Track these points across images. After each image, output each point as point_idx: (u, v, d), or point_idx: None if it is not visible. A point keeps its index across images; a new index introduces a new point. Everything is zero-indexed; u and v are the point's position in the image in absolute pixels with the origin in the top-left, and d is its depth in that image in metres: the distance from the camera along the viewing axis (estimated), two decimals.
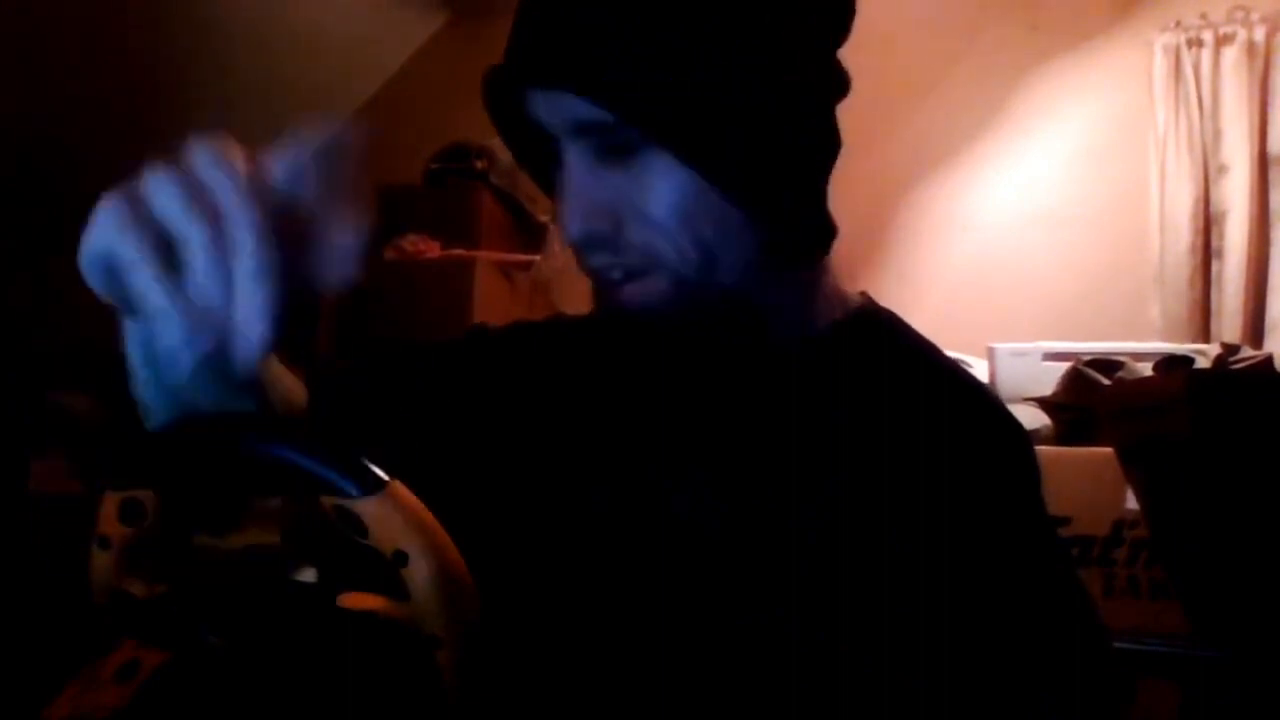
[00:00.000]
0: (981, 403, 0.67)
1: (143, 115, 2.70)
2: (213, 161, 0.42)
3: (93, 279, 0.42)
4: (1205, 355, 1.83)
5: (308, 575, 0.42)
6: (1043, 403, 1.85)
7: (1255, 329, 2.38)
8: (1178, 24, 2.48)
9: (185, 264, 0.41)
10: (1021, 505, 0.64)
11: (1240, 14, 2.44)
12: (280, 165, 0.44)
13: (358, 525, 0.39)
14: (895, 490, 0.59)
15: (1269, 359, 1.67)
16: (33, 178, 2.52)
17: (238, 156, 0.43)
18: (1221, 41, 2.45)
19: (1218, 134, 2.44)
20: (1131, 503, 1.56)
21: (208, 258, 0.40)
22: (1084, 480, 1.58)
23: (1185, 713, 1.40)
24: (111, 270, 0.42)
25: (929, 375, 0.67)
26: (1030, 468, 0.65)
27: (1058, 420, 1.82)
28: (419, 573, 0.39)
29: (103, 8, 2.40)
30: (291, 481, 0.40)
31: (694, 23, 0.54)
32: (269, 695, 0.38)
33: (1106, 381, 1.75)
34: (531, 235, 2.75)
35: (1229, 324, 2.37)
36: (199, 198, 0.41)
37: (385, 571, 0.39)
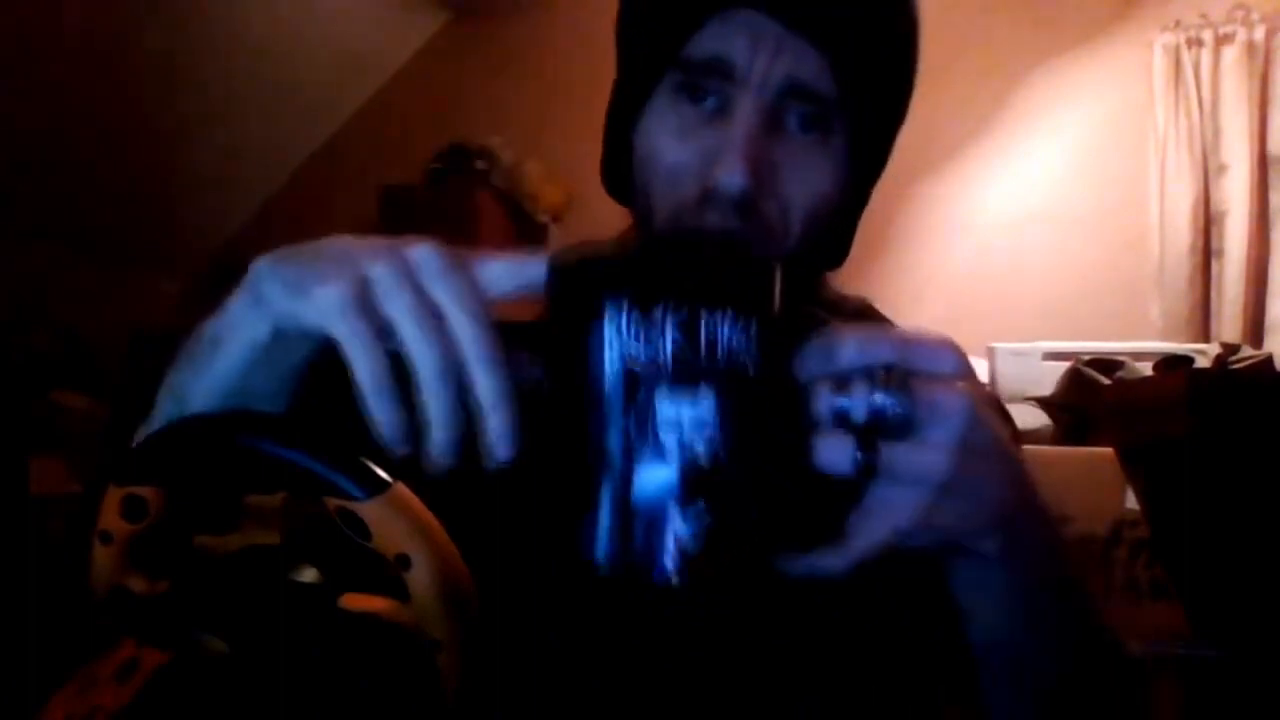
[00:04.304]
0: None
1: (144, 115, 2.70)
2: (443, 274, 0.42)
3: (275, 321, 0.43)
4: (1205, 355, 1.83)
5: (308, 575, 0.42)
6: (1043, 403, 1.85)
7: (1255, 329, 2.38)
8: (1178, 24, 2.48)
9: (411, 376, 0.41)
10: None
11: (1240, 14, 2.44)
12: (500, 277, 0.44)
13: (360, 527, 0.39)
14: None
15: (1269, 359, 1.67)
16: (32, 178, 2.52)
17: (464, 270, 0.43)
18: (1221, 41, 2.45)
19: (1218, 134, 2.44)
20: (1131, 503, 1.56)
21: (439, 384, 0.40)
22: (1084, 480, 1.58)
23: (1185, 713, 1.40)
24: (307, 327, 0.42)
25: None
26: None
27: (1058, 420, 1.82)
28: (421, 576, 0.39)
29: (104, 8, 2.40)
30: (296, 482, 0.40)
31: (914, 40, 0.63)
32: (269, 696, 0.38)
33: (1106, 381, 1.75)
34: (531, 235, 2.75)
35: (1229, 324, 2.37)
36: (430, 317, 0.41)
37: (387, 574, 0.39)
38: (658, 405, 0.39)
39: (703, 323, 0.38)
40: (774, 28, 0.55)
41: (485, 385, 0.41)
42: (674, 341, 0.38)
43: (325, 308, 0.42)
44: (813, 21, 0.55)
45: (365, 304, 0.41)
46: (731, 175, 0.55)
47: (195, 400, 0.47)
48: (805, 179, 0.58)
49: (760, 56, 0.56)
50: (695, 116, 0.59)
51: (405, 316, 0.41)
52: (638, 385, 0.39)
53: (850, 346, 0.41)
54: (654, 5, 0.60)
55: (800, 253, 0.60)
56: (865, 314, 0.71)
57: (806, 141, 0.58)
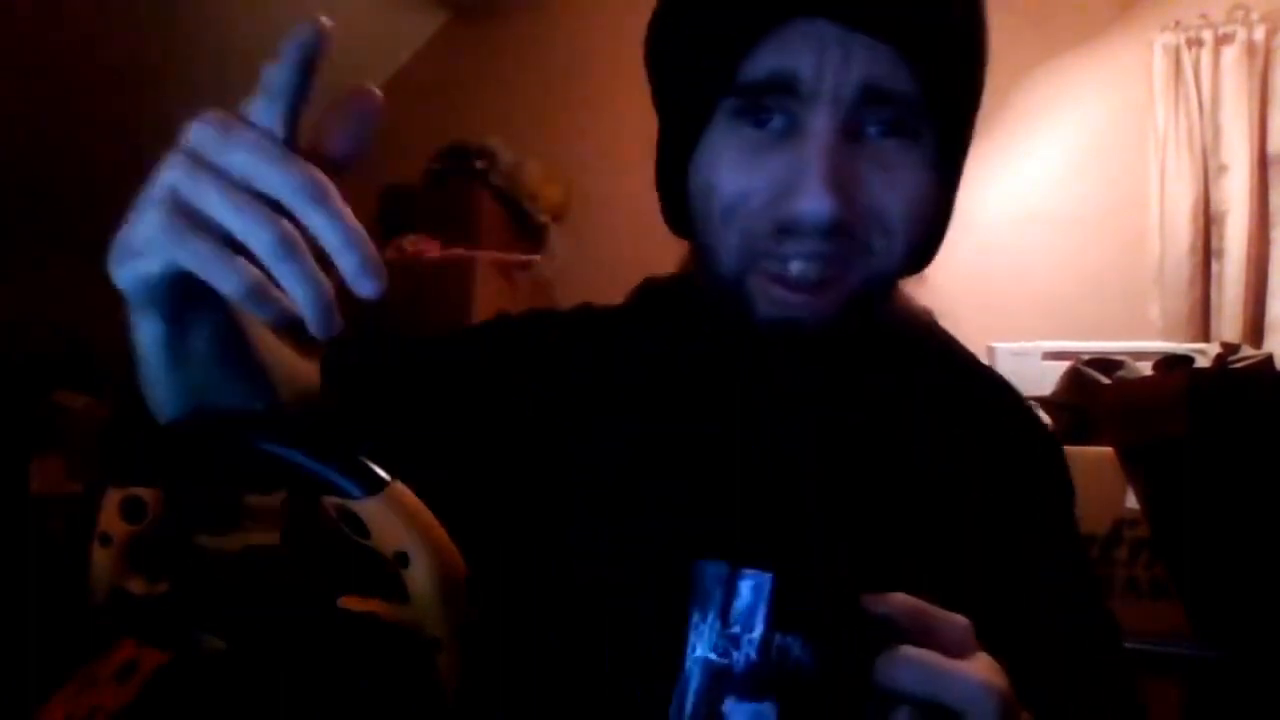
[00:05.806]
0: (1024, 411, 0.69)
1: (142, 115, 2.70)
2: (229, 142, 0.40)
3: (133, 286, 0.42)
4: (1205, 355, 1.83)
5: (307, 576, 0.42)
6: (1043, 403, 1.85)
7: (1255, 329, 2.38)
8: (1178, 24, 2.48)
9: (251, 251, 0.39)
10: (1060, 516, 0.67)
11: (1240, 14, 2.44)
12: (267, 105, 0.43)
13: (359, 526, 0.39)
14: (956, 497, 0.60)
15: (1269, 359, 1.66)
16: (31, 177, 2.52)
17: (244, 127, 0.41)
18: (1221, 41, 2.45)
19: (1218, 134, 2.43)
20: (1131, 503, 1.56)
21: (275, 251, 0.38)
22: (1084, 480, 1.56)
23: (1185, 713, 1.40)
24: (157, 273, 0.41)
25: (980, 381, 0.69)
26: (1067, 481, 0.68)
27: (1058, 420, 1.82)
28: (420, 574, 0.39)
29: (102, 7, 2.40)
30: (295, 481, 0.40)
31: (980, 20, 0.60)
32: (269, 696, 0.38)
33: (1106, 381, 1.75)
34: (531, 235, 2.75)
35: (1229, 324, 2.36)
36: (239, 193, 0.39)
37: (386, 572, 0.39)
38: (726, 708, 0.42)
39: (775, 645, 0.42)
40: (836, 31, 0.51)
41: (322, 228, 0.38)
42: (746, 657, 0.42)
43: (157, 249, 0.40)
44: (879, 18, 0.51)
45: (186, 218, 0.39)
46: (817, 204, 0.50)
47: (166, 409, 0.47)
48: (899, 186, 0.53)
49: (829, 64, 0.51)
50: (760, 140, 0.54)
51: (218, 210, 0.39)
52: (710, 682, 0.42)
53: (886, 673, 0.41)
54: (700, 29, 0.55)
55: (904, 264, 0.56)
56: (925, 330, 0.71)
57: (891, 147, 0.53)
